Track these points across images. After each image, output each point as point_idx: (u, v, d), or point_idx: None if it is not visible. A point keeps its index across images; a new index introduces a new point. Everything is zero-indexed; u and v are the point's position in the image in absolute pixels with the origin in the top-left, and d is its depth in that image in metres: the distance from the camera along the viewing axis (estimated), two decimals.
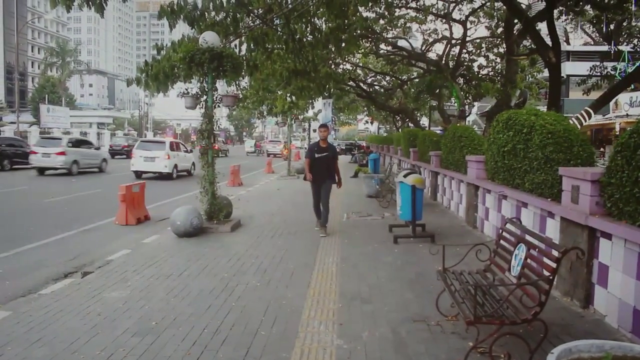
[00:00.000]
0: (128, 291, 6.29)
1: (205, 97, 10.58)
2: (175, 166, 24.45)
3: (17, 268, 7.90)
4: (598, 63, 17.12)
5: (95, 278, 6.94)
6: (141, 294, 6.16)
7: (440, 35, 25.83)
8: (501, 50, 23.64)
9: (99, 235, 10.51)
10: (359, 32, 16.87)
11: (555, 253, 4.30)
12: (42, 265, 8.05)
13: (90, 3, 8.97)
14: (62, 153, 24.55)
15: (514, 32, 17.21)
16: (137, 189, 11.94)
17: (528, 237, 5.09)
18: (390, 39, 25.07)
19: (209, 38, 10.10)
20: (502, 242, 5.44)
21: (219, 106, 10.97)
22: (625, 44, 23.18)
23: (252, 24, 12.02)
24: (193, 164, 26.56)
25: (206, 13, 11.36)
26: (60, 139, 27.07)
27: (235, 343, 4.71)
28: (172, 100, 61.21)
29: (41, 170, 25.15)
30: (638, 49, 19.20)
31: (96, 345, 4.66)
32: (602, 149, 27.55)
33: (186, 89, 10.91)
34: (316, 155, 9.99)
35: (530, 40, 18.01)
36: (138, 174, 23.93)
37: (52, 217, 12.57)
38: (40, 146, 25.25)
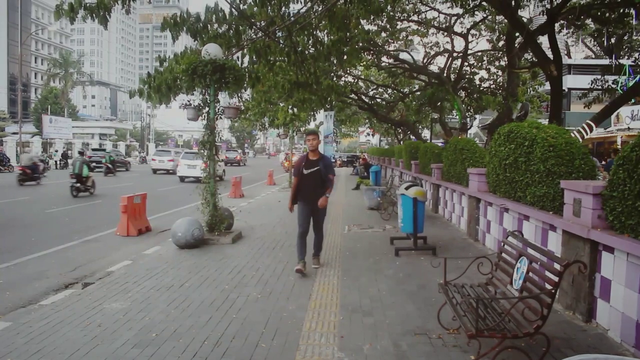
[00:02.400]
0: (129, 302, 6.28)
1: (207, 108, 10.61)
2: None
3: (18, 279, 7.89)
4: (599, 76, 17.18)
5: (95, 289, 6.93)
6: (142, 306, 6.14)
7: (441, 48, 25.97)
8: (502, 63, 23.75)
9: (100, 246, 10.50)
10: (360, 44, 16.97)
11: (557, 266, 4.29)
12: (42, 276, 8.04)
13: (94, 15, 9.05)
14: (172, 160, 34.98)
15: (516, 45, 17.29)
16: (138, 200, 11.94)
17: (530, 250, 5.09)
18: (391, 52, 25.18)
19: (212, 50, 10.15)
20: (503, 255, 5.42)
21: (221, 118, 10.98)
22: (626, 57, 23.24)
23: (254, 36, 12.09)
24: (224, 170, 31.51)
25: (209, 25, 11.45)
26: (170, 151, 38.92)
27: (235, 355, 4.69)
28: (174, 111, 62.27)
29: (154, 171, 36.11)
30: (639, 63, 19.23)
31: (96, 356, 4.64)
32: (603, 162, 27.53)
33: (188, 101, 10.94)
34: (304, 172, 7.89)
35: (531, 54, 18.08)
36: (182, 179, 29.34)
37: (53, 227, 12.57)
38: (157, 155, 37.27)
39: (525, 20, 18.86)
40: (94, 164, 31.52)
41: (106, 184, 26.29)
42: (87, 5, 9.07)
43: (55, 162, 44.27)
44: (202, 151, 10.67)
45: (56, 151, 47.44)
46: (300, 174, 7.94)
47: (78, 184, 19.56)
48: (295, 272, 7.69)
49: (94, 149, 45.06)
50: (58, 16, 9.24)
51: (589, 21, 17.89)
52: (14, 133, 52.83)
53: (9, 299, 6.82)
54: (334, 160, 41.72)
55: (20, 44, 63.41)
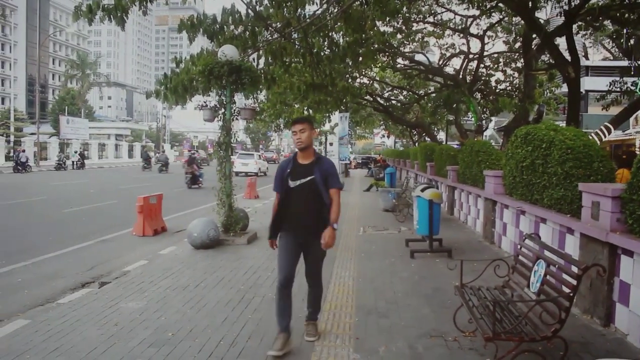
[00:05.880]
0: (145, 302, 6.32)
1: (223, 109, 10.64)
2: (259, 168, 38.78)
3: (36, 277, 7.97)
4: (618, 78, 16.97)
5: (112, 288, 6.98)
6: (158, 305, 6.18)
7: (457, 50, 25.83)
8: (519, 65, 23.58)
9: (116, 246, 10.58)
10: (376, 46, 16.93)
11: (575, 270, 4.25)
12: (60, 275, 8.12)
13: (112, 16, 9.14)
14: (255, 163, 39.83)
15: (532, 47, 17.16)
16: (154, 200, 12.01)
17: (547, 253, 5.04)
18: (407, 54, 25.12)
19: (228, 51, 10.18)
20: (520, 257, 5.38)
21: (236, 119, 11.01)
22: None
23: (270, 38, 12.13)
24: (267, 167, 43.67)
25: (225, 27, 11.50)
26: (253, 154, 43.68)
27: (251, 356, 4.70)
28: (190, 112, 63.58)
29: (237, 173, 37.44)
30: None
31: (113, 355, 4.68)
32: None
33: (204, 102, 10.98)
34: (290, 184, 4.92)
35: (548, 55, 17.93)
36: (236, 174, 32.92)
37: (70, 227, 12.69)
38: (240, 158, 39.72)
39: (542, 21, 18.72)
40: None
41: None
42: (105, 6, 9.17)
43: (73, 162, 44.78)
44: (218, 151, 10.71)
45: (75, 152, 48.19)
46: (285, 188, 4.96)
47: (191, 176, 27.43)
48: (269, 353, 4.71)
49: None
50: (76, 17, 9.35)
51: (607, 22, 17.70)
52: (32, 134, 53.43)
53: (28, 297, 6.90)
54: (348, 162, 41.27)
55: (38, 46, 63.96)
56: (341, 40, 13.07)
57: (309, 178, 4.86)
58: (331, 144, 37.98)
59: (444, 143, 30.96)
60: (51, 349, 4.80)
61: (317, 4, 11.56)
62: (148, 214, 11.72)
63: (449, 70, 27.48)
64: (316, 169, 4.88)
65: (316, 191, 4.83)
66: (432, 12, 21.97)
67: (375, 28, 13.87)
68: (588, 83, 32.95)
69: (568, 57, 12.94)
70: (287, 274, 4.86)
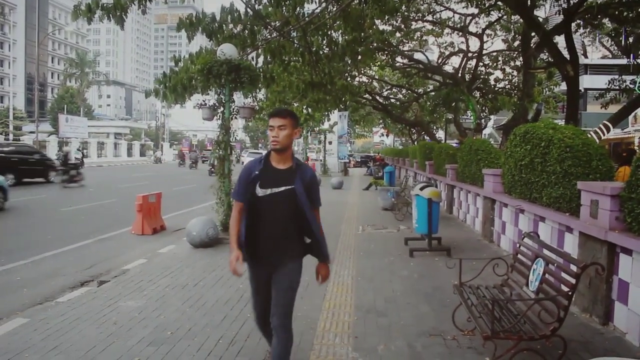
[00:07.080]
0: (144, 301, 6.32)
1: (222, 108, 10.64)
2: None
3: (35, 276, 7.96)
4: (616, 76, 16.98)
5: (111, 287, 6.98)
6: (157, 304, 6.18)
7: (456, 49, 25.83)
8: (518, 63, 23.58)
9: (115, 245, 10.57)
10: (375, 44, 16.94)
11: (574, 268, 4.25)
12: (59, 274, 8.11)
13: (111, 15, 9.14)
14: None
15: (531, 45, 17.16)
16: (153, 199, 12.01)
17: (546, 252, 5.04)
18: (406, 52, 25.09)
19: (227, 50, 10.18)
20: (519, 256, 5.38)
21: (235, 118, 11.01)
22: None
23: (269, 37, 12.13)
24: None
25: (224, 25, 11.50)
26: (262, 152, 43.85)
27: (250, 354, 4.70)
28: (189, 111, 64.36)
29: None
30: None
31: (112, 354, 4.67)
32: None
33: (203, 101, 10.97)
34: (259, 192, 3.66)
35: (547, 54, 17.93)
36: None
37: (69, 225, 12.68)
38: (250, 157, 41.22)
39: (541, 19, 18.71)
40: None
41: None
42: (104, 5, 9.17)
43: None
44: (217, 150, 10.72)
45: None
46: (252, 198, 3.70)
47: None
48: None
49: (207, 150, 63.51)
50: (75, 16, 9.36)
51: (606, 20, 17.70)
52: (31, 132, 53.43)
53: (26, 295, 6.89)
54: (348, 161, 41.04)
55: (37, 44, 63.81)
56: (340, 38, 13.09)
57: (283, 188, 3.64)
58: (330, 143, 37.97)
59: (443, 142, 30.98)
60: (50, 348, 4.80)
61: (316, 3, 11.57)
62: (147, 213, 11.71)
63: (448, 68, 27.50)
64: (297, 178, 3.67)
65: (295, 206, 3.66)
66: (431, 10, 21.98)
67: (374, 27, 13.88)
68: (587, 81, 32.95)
69: (567, 55, 12.94)
70: (261, 309, 3.95)
